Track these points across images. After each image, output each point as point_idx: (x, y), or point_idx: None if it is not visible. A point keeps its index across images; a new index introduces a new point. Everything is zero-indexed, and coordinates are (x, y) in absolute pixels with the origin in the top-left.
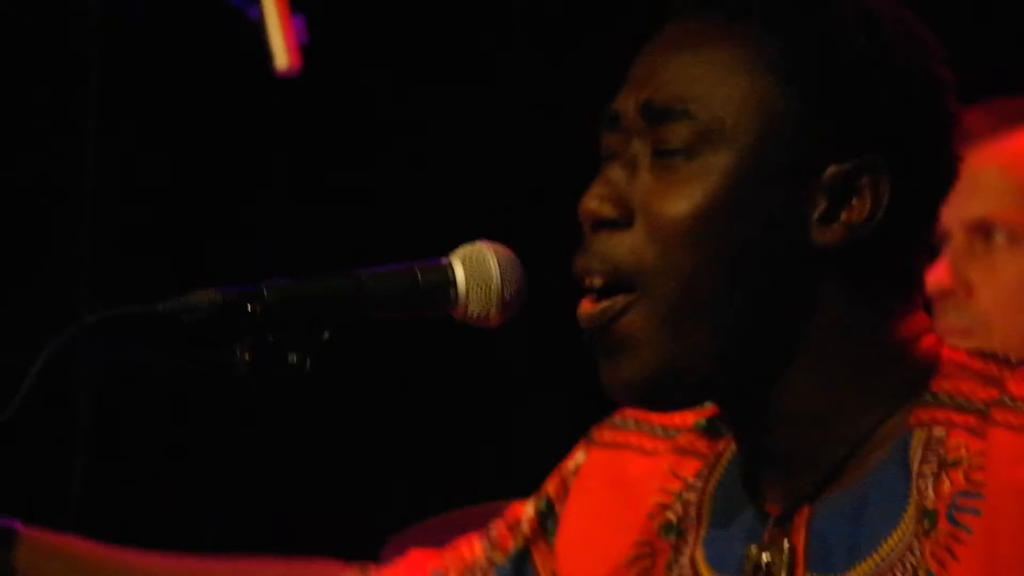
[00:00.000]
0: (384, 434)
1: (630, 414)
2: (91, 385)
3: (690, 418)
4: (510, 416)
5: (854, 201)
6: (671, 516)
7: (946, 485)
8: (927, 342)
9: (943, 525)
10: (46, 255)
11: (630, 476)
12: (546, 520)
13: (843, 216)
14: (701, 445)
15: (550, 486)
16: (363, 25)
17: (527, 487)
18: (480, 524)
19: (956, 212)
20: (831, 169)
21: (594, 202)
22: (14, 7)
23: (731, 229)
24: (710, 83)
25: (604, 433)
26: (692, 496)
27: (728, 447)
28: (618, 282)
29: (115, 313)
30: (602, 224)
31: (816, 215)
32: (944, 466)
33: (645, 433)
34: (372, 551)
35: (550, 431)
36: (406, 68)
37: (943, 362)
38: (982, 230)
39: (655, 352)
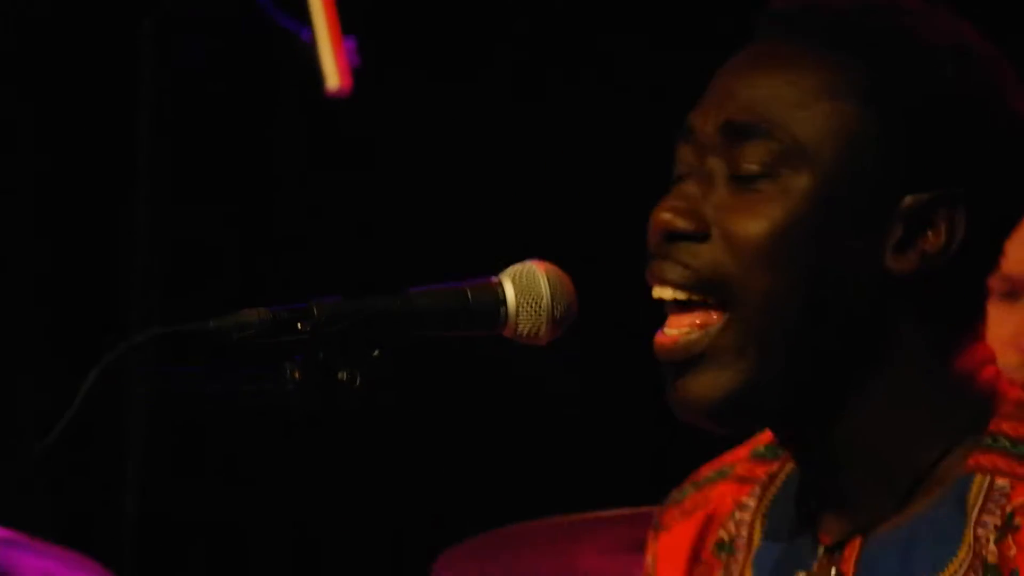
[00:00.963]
0: (434, 450)
1: (687, 483)
2: (142, 404)
3: (743, 451)
4: (557, 432)
5: (930, 232)
6: (724, 535)
7: (1012, 550)
8: (987, 375)
9: None
10: (99, 270)
11: (704, 534)
12: None
13: (919, 246)
14: (758, 470)
15: None
16: (417, 53)
17: (576, 502)
18: (530, 540)
19: None
20: (909, 199)
21: (668, 214)
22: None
23: (809, 252)
24: (792, 106)
25: (665, 516)
26: (745, 516)
27: (782, 469)
28: (700, 289)
29: (165, 331)
30: (676, 236)
31: (892, 243)
32: (1009, 528)
33: (703, 488)
34: (423, 566)
35: (597, 447)
36: (456, 90)
37: (1004, 400)
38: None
39: (738, 372)
